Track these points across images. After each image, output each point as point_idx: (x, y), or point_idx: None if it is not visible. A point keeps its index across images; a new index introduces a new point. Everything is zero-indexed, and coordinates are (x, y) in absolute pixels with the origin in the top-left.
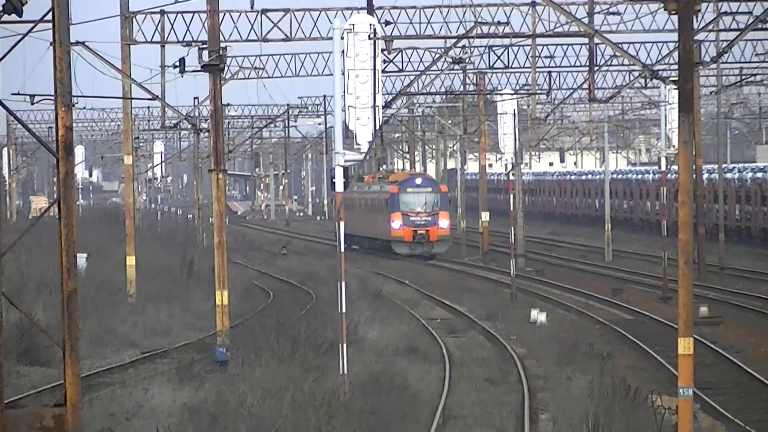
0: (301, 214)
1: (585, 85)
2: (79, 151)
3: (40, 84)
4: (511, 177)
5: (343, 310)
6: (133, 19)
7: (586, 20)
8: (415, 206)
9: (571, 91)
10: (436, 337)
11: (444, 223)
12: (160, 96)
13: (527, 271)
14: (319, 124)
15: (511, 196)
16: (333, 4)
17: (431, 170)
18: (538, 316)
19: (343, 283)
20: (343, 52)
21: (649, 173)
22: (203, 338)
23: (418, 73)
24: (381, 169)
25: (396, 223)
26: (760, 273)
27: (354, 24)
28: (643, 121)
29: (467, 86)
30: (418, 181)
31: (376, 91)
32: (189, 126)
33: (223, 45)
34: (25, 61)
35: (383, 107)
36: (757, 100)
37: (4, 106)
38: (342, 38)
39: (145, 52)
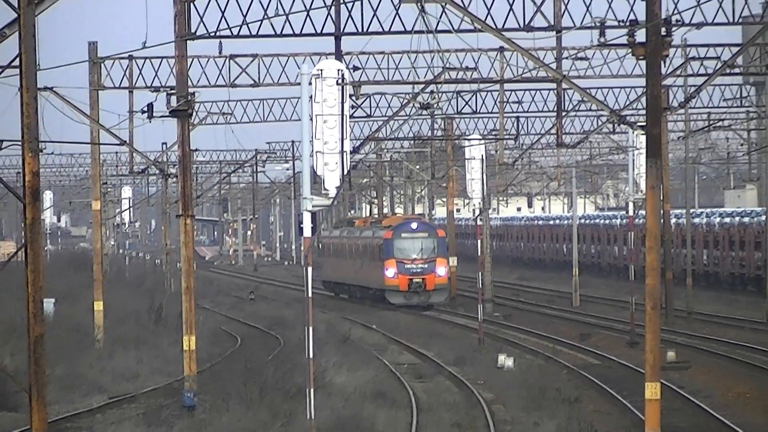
0: (269, 259)
1: (553, 130)
2: (47, 197)
3: (7, 129)
4: (479, 222)
5: (311, 355)
6: (102, 64)
7: (553, 65)
8: (410, 253)
9: (539, 136)
10: (403, 382)
11: (442, 270)
12: (128, 141)
13: (495, 316)
14: (287, 169)
15: (479, 241)
16: (301, 50)
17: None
18: (506, 360)
19: (311, 329)
20: (311, 97)
21: (617, 218)
22: (171, 383)
23: (386, 118)
24: (360, 213)
25: (390, 271)
26: (728, 318)
27: (322, 69)
28: (611, 166)
29: (435, 131)
30: (414, 225)
31: (344, 137)
32: (157, 171)
33: (191, 90)
34: None
35: (351, 152)
36: (725, 145)
37: None
38: (310, 83)
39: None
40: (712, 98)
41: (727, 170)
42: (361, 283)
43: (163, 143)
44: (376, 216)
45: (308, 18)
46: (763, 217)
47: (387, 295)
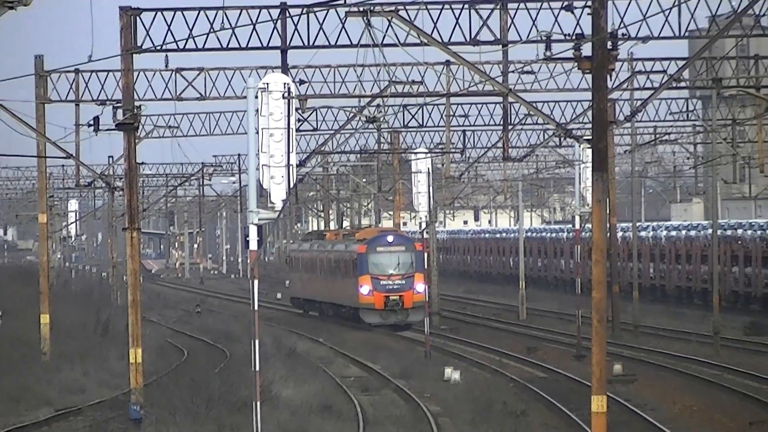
0: (216, 272)
1: (499, 144)
2: None
3: None
4: (426, 235)
5: (257, 368)
6: (48, 77)
7: (500, 79)
8: (386, 268)
9: (486, 149)
10: (350, 395)
11: (421, 287)
12: (74, 154)
13: (442, 329)
14: (234, 182)
15: (426, 254)
16: (247, 63)
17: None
18: (453, 374)
19: (257, 342)
20: (257, 110)
21: (564, 231)
22: (117, 396)
23: (333, 131)
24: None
25: (365, 288)
26: (674, 331)
27: (268, 83)
28: (558, 179)
29: (382, 145)
30: (390, 238)
31: (291, 150)
32: (103, 184)
33: (137, 103)
34: None
35: (297, 166)
36: (671, 159)
37: None
38: (256, 97)
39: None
40: (659, 112)
41: (674, 184)
42: (334, 300)
43: (109, 156)
44: (349, 228)
45: (254, 31)
46: (710, 231)
47: (361, 314)
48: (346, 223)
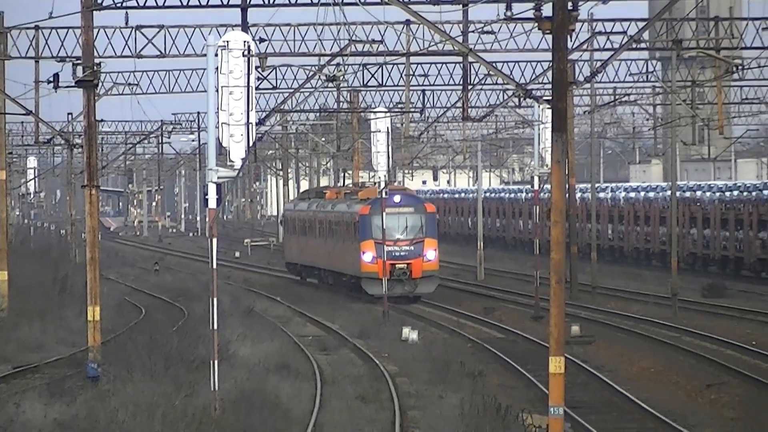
0: (174, 230)
1: (459, 104)
2: None
3: None
4: (384, 195)
5: (215, 327)
6: (8, 34)
7: (460, 39)
8: (392, 232)
9: (445, 109)
10: (307, 355)
11: (431, 254)
12: (33, 111)
13: None
14: (193, 140)
15: (384, 213)
16: (207, 22)
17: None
18: (410, 334)
19: (215, 300)
20: (217, 68)
21: (522, 192)
22: (75, 354)
23: (292, 90)
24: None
25: (368, 255)
26: (632, 292)
27: (228, 41)
28: (517, 140)
29: (341, 104)
30: (397, 198)
31: (250, 108)
32: (63, 141)
33: (97, 61)
34: None
35: (257, 124)
36: (631, 120)
37: None
38: (216, 55)
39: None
40: (618, 73)
41: (633, 145)
42: (333, 267)
43: (68, 113)
44: (351, 186)
45: None
46: (668, 193)
47: (364, 284)
48: (305, 183)
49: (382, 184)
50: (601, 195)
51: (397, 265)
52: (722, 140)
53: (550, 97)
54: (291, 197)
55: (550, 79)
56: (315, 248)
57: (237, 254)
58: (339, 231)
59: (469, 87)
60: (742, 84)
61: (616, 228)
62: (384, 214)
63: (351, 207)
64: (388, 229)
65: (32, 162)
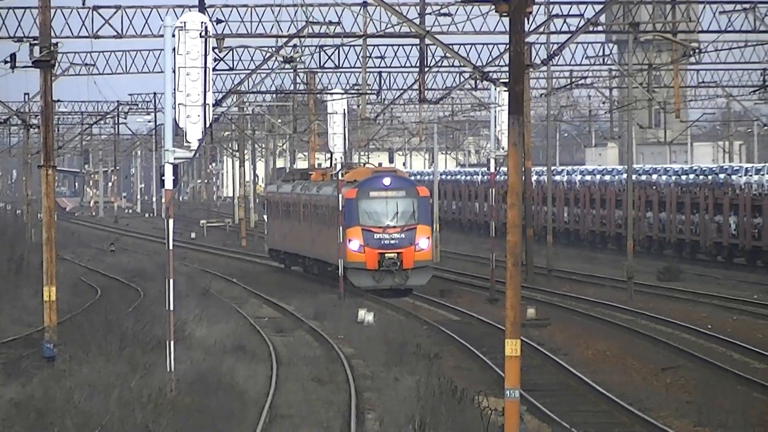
0: (130, 211)
1: (415, 86)
2: None
3: None
4: (341, 177)
5: (171, 308)
6: None
7: (417, 21)
8: (381, 218)
9: (402, 91)
10: (263, 336)
11: (424, 242)
12: None
13: None
14: (149, 121)
15: (340, 195)
16: (164, 2)
17: (260, 170)
18: (366, 316)
19: (171, 281)
20: (174, 49)
21: (478, 174)
22: (31, 334)
23: (249, 71)
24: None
25: (354, 243)
26: (588, 275)
27: (185, 22)
28: (473, 122)
29: (298, 85)
30: (387, 181)
31: (207, 89)
32: (19, 121)
33: (54, 41)
34: None
35: (213, 105)
36: (587, 103)
37: None
38: (173, 36)
39: None
40: (575, 56)
41: (589, 128)
42: (318, 256)
43: (25, 94)
44: (338, 167)
45: None
46: (624, 176)
47: (350, 275)
48: (261, 165)
49: (338, 166)
50: (557, 178)
51: (386, 255)
52: (678, 124)
53: (507, 80)
54: (248, 179)
55: (507, 62)
56: (299, 234)
57: (193, 235)
58: (324, 216)
59: (426, 69)
60: (698, 68)
61: (571, 211)
62: (372, 197)
63: (336, 190)
64: (377, 215)
65: None
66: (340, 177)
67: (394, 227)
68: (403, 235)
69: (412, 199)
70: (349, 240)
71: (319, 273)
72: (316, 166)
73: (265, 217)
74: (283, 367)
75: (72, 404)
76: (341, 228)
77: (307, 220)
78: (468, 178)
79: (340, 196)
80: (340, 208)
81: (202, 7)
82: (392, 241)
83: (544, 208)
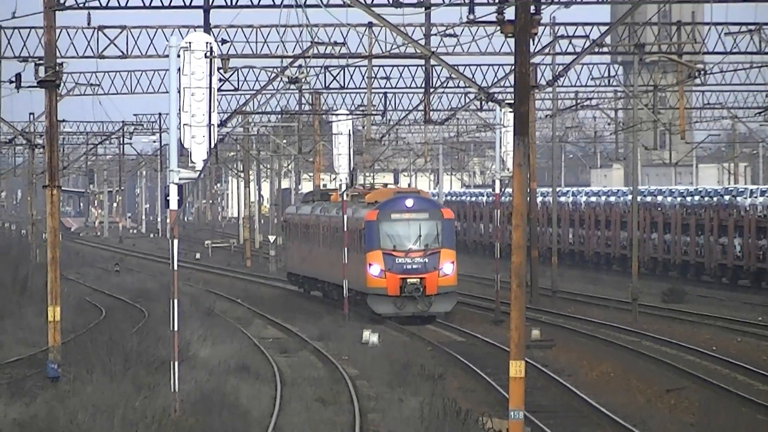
0: (135, 231)
1: (420, 107)
2: None
3: None
4: (346, 198)
5: (176, 328)
6: None
7: (422, 42)
8: (404, 241)
9: (407, 112)
10: (267, 357)
11: (448, 267)
12: None
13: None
14: (154, 141)
15: (345, 216)
16: (170, 23)
17: (265, 190)
18: (371, 336)
19: (176, 301)
20: (179, 70)
21: (483, 195)
22: (35, 354)
23: (254, 92)
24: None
25: (375, 268)
26: (592, 296)
27: (190, 42)
28: (478, 143)
29: (303, 106)
30: (409, 203)
31: (212, 110)
32: (24, 141)
33: (59, 61)
34: None
35: (218, 126)
36: (592, 124)
37: None
38: (178, 56)
39: None
40: (580, 77)
41: (594, 149)
42: (337, 280)
43: (30, 113)
44: (360, 187)
45: None
46: (629, 197)
47: (370, 301)
48: (266, 186)
49: (343, 187)
50: (562, 199)
51: (408, 280)
52: (684, 145)
53: (512, 101)
54: (253, 199)
55: (512, 83)
56: (318, 258)
57: (197, 255)
58: (343, 239)
59: (431, 90)
60: (703, 89)
61: (576, 232)
62: (394, 220)
63: (356, 212)
64: (399, 238)
65: None
66: (344, 198)
67: (417, 251)
68: (426, 260)
69: (436, 222)
70: (370, 264)
71: (339, 298)
72: (321, 187)
73: (284, 239)
74: (287, 388)
75: (76, 424)
76: (345, 249)
77: (326, 243)
78: (473, 199)
79: (345, 217)
80: (345, 229)
81: (207, 28)
82: (415, 266)
83: (549, 230)
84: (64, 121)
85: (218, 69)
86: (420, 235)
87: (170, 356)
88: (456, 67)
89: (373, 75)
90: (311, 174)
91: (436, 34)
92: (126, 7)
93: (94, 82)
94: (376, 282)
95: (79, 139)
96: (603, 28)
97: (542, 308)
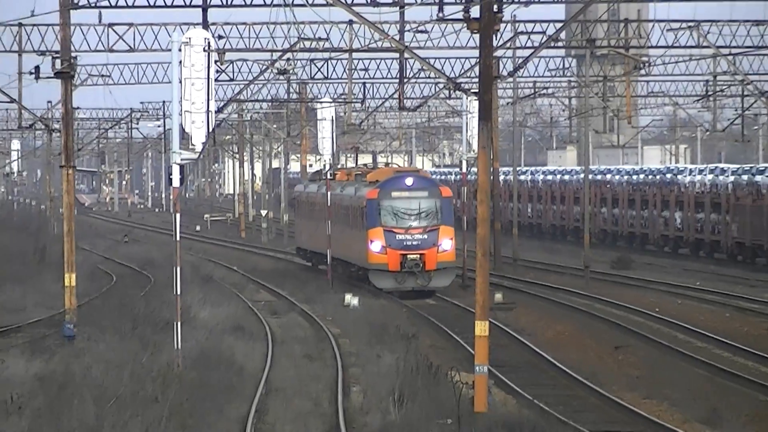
0: (142, 206)
1: (395, 95)
2: None
3: None
4: (329, 176)
5: (178, 293)
6: None
7: (397, 37)
8: (404, 219)
9: (383, 100)
10: (260, 318)
11: (447, 243)
12: (17, 99)
13: None
14: (159, 126)
15: (329, 192)
16: (172, 20)
17: (257, 170)
18: (352, 300)
19: (179, 269)
20: (180, 62)
21: (452, 174)
22: (53, 316)
23: (248, 82)
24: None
25: (376, 244)
26: (549, 264)
27: (191, 38)
28: (447, 128)
29: (291, 95)
30: (409, 181)
31: (210, 98)
32: (43, 126)
33: (73, 54)
34: None
35: (216, 112)
36: (549, 111)
37: None
38: (180, 50)
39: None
40: (538, 68)
41: (550, 133)
42: (342, 256)
43: (48, 101)
44: (363, 166)
45: None
46: (582, 175)
47: (371, 276)
48: (258, 165)
49: (327, 166)
50: (522, 177)
51: (408, 256)
52: (630, 129)
53: (477, 90)
54: (247, 178)
55: (477, 74)
56: (324, 234)
57: (198, 228)
58: (347, 216)
59: (405, 80)
60: (648, 79)
61: (535, 207)
62: (394, 198)
63: (359, 190)
64: (399, 216)
65: (16, 144)
66: (328, 176)
67: (417, 228)
68: (425, 236)
69: (435, 200)
70: (371, 241)
71: (344, 273)
72: (308, 167)
73: (295, 216)
74: (277, 346)
75: (90, 378)
76: (327, 221)
77: (330, 220)
78: (443, 177)
79: (329, 194)
80: (328, 204)
81: (205, 25)
82: (415, 242)
83: (511, 205)
84: (78, 108)
85: (215, 62)
86: (420, 213)
87: (173, 317)
88: (427, 60)
89: (354, 67)
90: (299, 155)
91: (409, 31)
92: (133, 6)
93: (105, 73)
94: (378, 258)
95: (92, 124)
96: (558, 25)
97: (504, 275)
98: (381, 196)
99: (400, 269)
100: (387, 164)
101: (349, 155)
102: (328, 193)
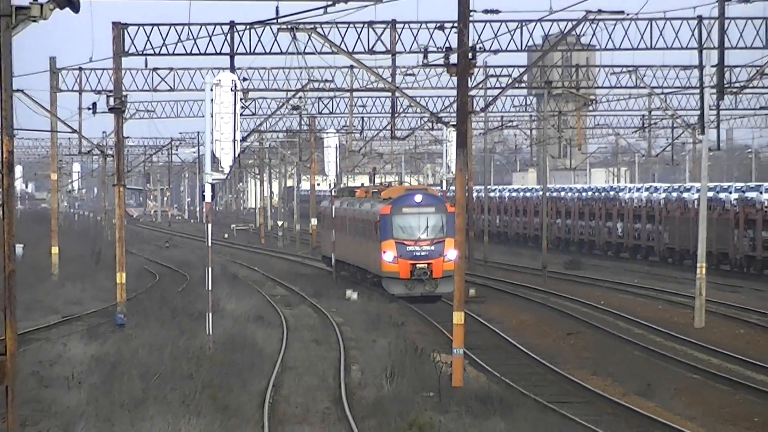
0: (180, 218)
1: (388, 127)
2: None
3: None
4: (333, 193)
5: (209, 288)
6: (59, 73)
7: (389, 79)
8: (413, 232)
9: (378, 131)
10: (276, 309)
11: (452, 253)
12: (77, 130)
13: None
14: (194, 152)
15: (333, 206)
16: (205, 65)
17: (275, 188)
18: (352, 294)
19: (210, 269)
20: (212, 99)
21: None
22: (107, 307)
23: (267, 116)
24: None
25: (388, 254)
26: (514, 265)
27: (220, 80)
28: (431, 153)
29: (302, 126)
30: (418, 198)
31: (236, 129)
32: (99, 152)
33: (124, 93)
34: None
35: (240, 141)
36: (514, 140)
37: None
38: (211, 90)
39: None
40: (505, 105)
41: (515, 158)
42: (359, 264)
43: (103, 132)
44: (378, 185)
45: (210, 42)
46: (540, 193)
47: (384, 283)
48: (275, 184)
49: (332, 185)
50: (492, 194)
51: (417, 265)
52: (580, 155)
53: (456, 122)
54: (266, 194)
55: (456, 109)
56: (345, 245)
57: (226, 235)
58: (363, 229)
59: (396, 114)
60: (595, 114)
61: (502, 218)
62: (405, 213)
63: (374, 206)
64: (409, 229)
65: (76, 167)
66: (333, 194)
67: (425, 240)
68: (433, 247)
69: (441, 215)
70: (384, 251)
71: (362, 279)
72: (315, 186)
73: (319, 228)
74: (291, 332)
75: (136, 359)
76: (332, 229)
77: (351, 232)
78: None
79: (333, 208)
80: (333, 216)
81: (232, 69)
82: (423, 253)
83: (482, 216)
84: (127, 137)
85: (240, 99)
86: (427, 226)
87: (205, 309)
88: (414, 98)
89: (354, 104)
90: (308, 176)
91: (399, 74)
92: (173, 54)
93: (150, 108)
94: (390, 267)
95: (139, 150)
96: (521, 70)
97: (477, 273)
98: (393, 212)
99: (410, 277)
100: (400, 183)
101: (349, 176)
102: (332, 206)
